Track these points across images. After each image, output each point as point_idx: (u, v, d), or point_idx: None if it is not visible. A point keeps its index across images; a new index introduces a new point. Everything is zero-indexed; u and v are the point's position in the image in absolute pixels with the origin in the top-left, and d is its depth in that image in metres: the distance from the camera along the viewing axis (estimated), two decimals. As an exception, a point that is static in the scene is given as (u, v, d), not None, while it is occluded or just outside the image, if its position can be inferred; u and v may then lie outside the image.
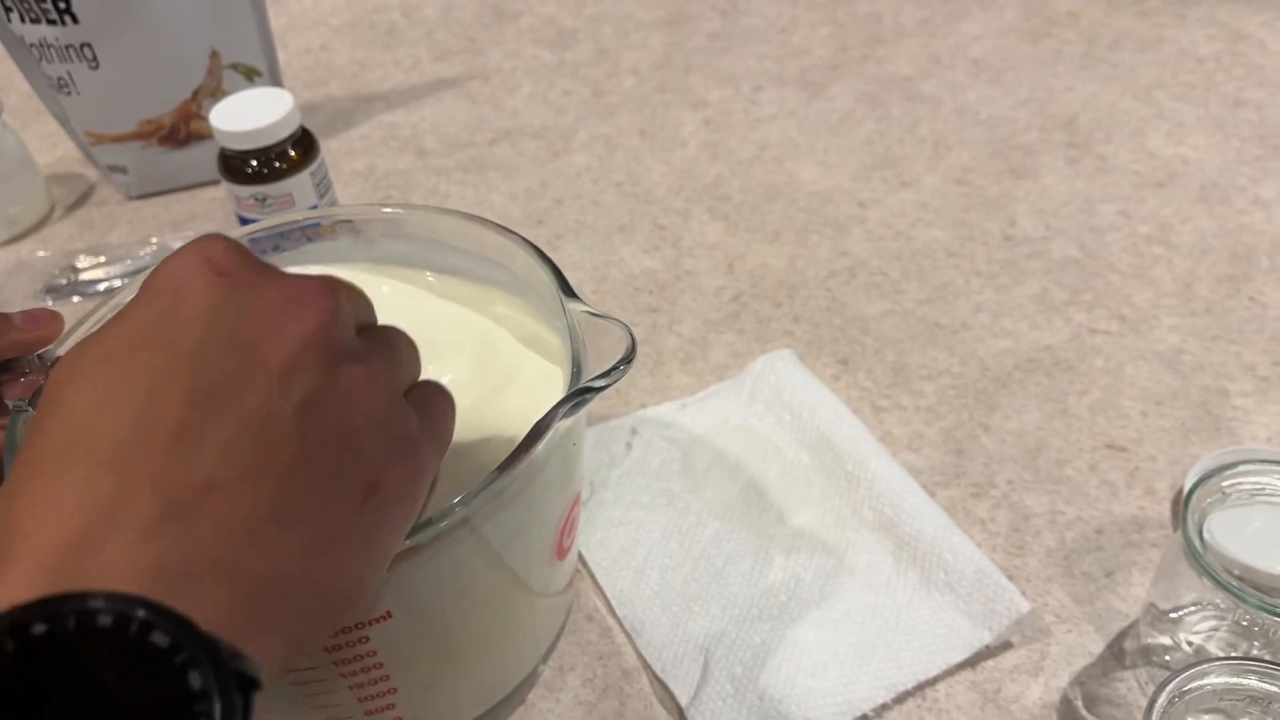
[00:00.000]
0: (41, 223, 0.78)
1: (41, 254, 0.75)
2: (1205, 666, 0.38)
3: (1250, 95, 0.79)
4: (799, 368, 0.57)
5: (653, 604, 0.48)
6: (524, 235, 0.42)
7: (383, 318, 0.32)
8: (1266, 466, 0.43)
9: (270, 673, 0.23)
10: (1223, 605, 0.41)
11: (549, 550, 0.40)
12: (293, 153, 0.67)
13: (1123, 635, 0.46)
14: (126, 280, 0.70)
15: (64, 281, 0.72)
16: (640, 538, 0.51)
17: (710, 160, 0.78)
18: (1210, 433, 0.55)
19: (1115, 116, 0.79)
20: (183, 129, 0.77)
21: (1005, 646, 0.46)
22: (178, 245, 0.72)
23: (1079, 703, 0.44)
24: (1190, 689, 0.38)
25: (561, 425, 0.34)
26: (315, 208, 0.69)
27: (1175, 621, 0.43)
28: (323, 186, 0.69)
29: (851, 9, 0.96)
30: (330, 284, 0.28)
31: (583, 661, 0.47)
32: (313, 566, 0.25)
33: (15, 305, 0.70)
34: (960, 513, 0.51)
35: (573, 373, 0.36)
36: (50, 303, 0.71)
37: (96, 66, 0.72)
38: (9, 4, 0.68)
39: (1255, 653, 0.41)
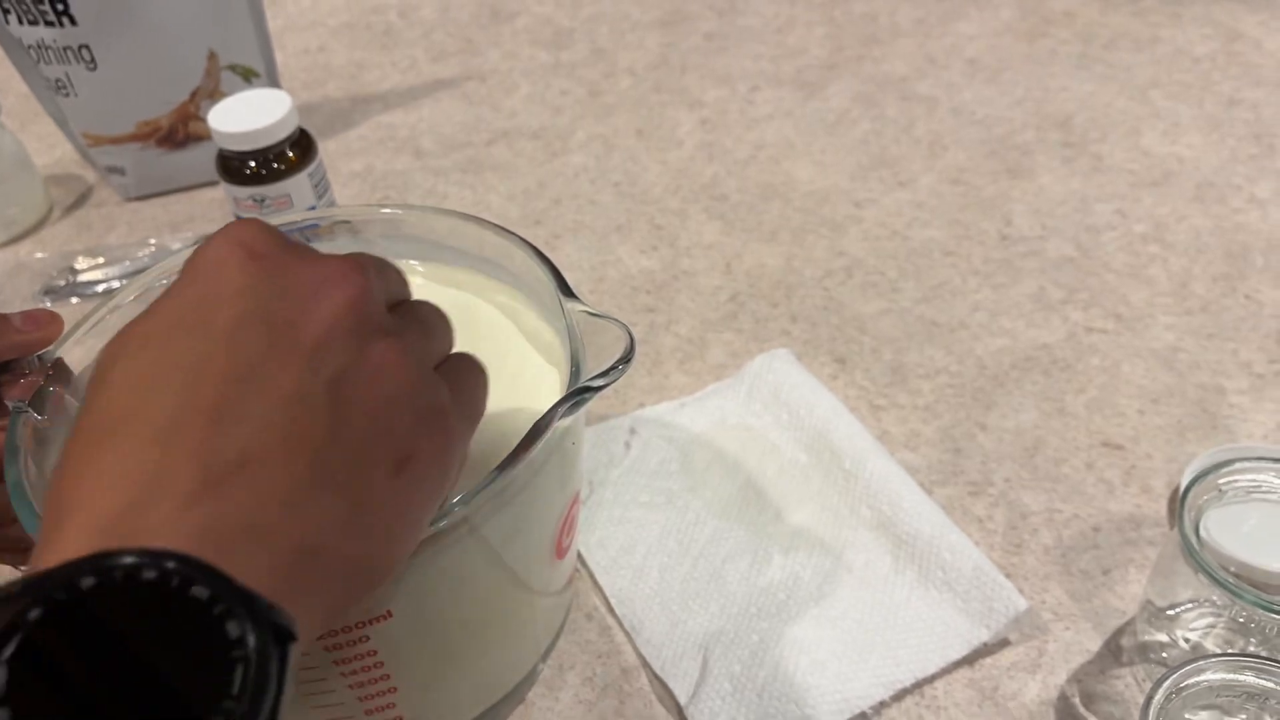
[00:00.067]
0: (40, 224, 0.78)
1: (40, 255, 0.75)
2: (1202, 663, 0.38)
3: (1246, 94, 0.79)
4: (796, 367, 0.58)
5: (652, 603, 0.48)
6: (522, 235, 0.42)
7: None
8: (1262, 464, 0.43)
9: (307, 639, 0.24)
10: (1219, 602, 0.41)
11: (548, 549, 0.40)
12: (291, 154, 0.67)
13: (1120, 632, 0.46)
14: (125, 281, 0.70)
15: (62, 283, 0.72)
16: (639, 537, 0.51)
17: (707, 160, 0.78)
18: (1206, 430, 0.55)
19: (1111, 116, 0.79)
20: (181, 130, 0.77)
21: (1003, 644, 0.46)
22: (176, 247, 0.73)
23: (1076, 700, 0.44)
24: (1187, 685, 0.38)
25: (560, 425, 0.34)
26: (313, 208, 0.69)
27: (1172, 618, 0.44)
28: (321, 187, 0.69)
29: (847, 9, 0.96)
30: (360, 263, 0.29)
31: (582, 660, 0.47)
32: (348, 536, 0.26)
33: (14, 306, 0.70)
34: (958, 511, 0.52)
35: (571, 372, 0.36)
36: (49, 304, 0.71)
37: (94, 68, 0.72)
38: (7, 5, 0.68)
39: (1252, 649, 0.41)
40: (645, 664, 0.46)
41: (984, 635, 0.45)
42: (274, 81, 0.79)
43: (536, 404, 0.35)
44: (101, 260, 0.73)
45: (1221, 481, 0.43)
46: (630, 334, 0.36)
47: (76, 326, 0.40)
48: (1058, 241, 0.68)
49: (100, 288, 0.71)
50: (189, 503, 0.23)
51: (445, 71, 0.92)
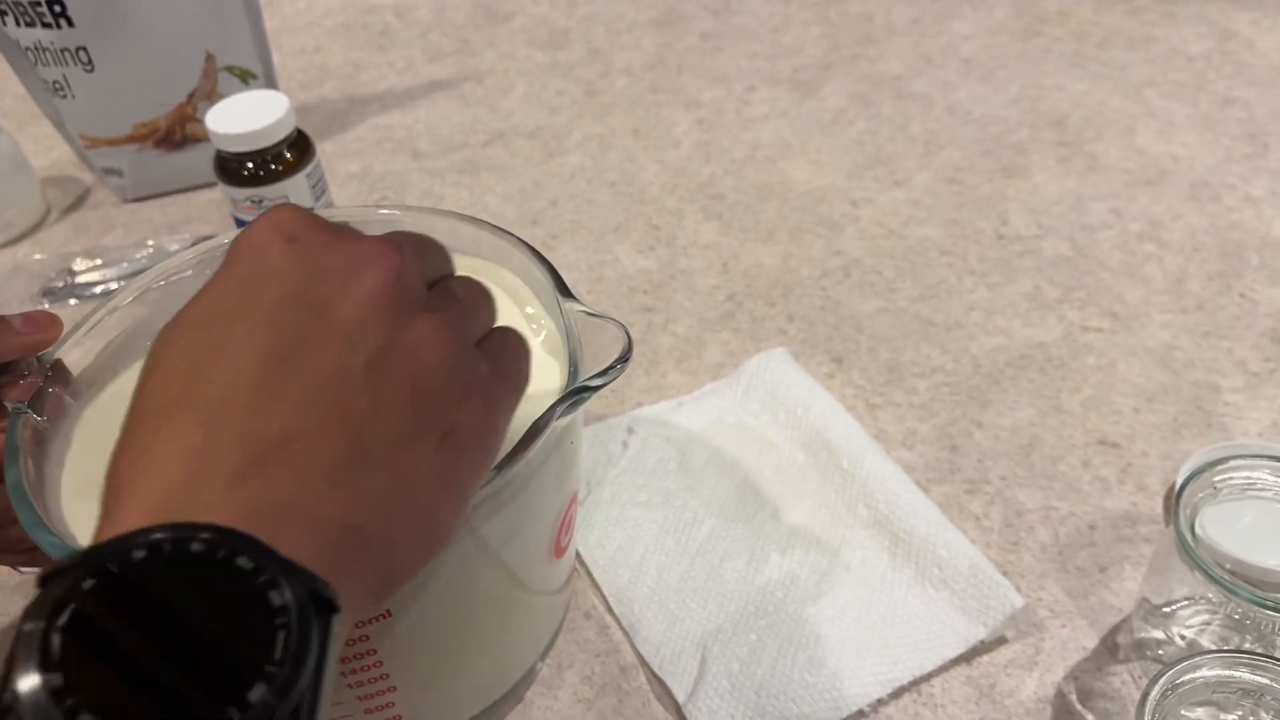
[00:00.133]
0: (37, 226, 0.78)
1: (38, 257, 0.75)
2: (1198, 660, 0.38)
3: (1239, 93, 0.80)
4: (793, 366, 0.58)
5: (650, 601, 0.48)
6: (519, 236, 0.42)
7: None
8: (1257, 461, 0.43)
9: (357, 611, 0.26)
10: (1215, 599, 0.41)
11: (546, 549, 0.40)
12: (288, 155, 0.67)
13: (1116, 629, 0.46)
14: (123, 283, 0.70)
15: (61, 284, 0.72)
16: (637, 536, 0.51)
17: (703, 160, 0.78)
18: (1201, 428, 0.55)
19: (1106, 115, 0.79)
20: (178, 132, 0.77)
21: (1000, 641, 0.46)
22: (174, 248, 0.73)
23: (1073, 697, 0.44)
24: (1183, 682, 0.38)
25: (558, 424, 0.34)
26: (311, 209, 0.69)
27: (1168, 615, 0.44)
28: (318, 188, 0.69)
29: (843, 8, 0.96)
30: (397, 241, 0.29)
31: (581, 659, 0.47)
32: (394, 510, 0.26)
33: (12, 308, 0.70)
34: (954, 509, 0.52)
35: (569, 372, 0.36)
36: (47, 305, 0.71)
37: (91, 70, 0.72)
38: (4, 7, 0.68)
39: (1247, 646, 0.42)
40: (643, 662, 0.46)
41: (981, 633, 0.45)
42: (271, 83, 0.79)
43: (534, 404, 0.35)
44: (99, 262, 0.73)
45: (1216, 479, 0.43)
46: (628, 334, 0.36)
47: (75, 328, 0.40)
48: (1053, 240, 0.68)
49: (98, 289, 0.71)
50: (234, 481, 0.24)
51: (442, 72, 0.93)
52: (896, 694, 0.45)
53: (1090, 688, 0.45)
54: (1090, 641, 0.46)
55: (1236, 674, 0.38)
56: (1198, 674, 0.38)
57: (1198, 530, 0.42)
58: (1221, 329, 0.61)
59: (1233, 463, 0.43)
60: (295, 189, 0.67)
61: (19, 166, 0.77)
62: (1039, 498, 0.52)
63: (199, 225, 0.77)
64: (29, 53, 0.71)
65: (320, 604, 0.22)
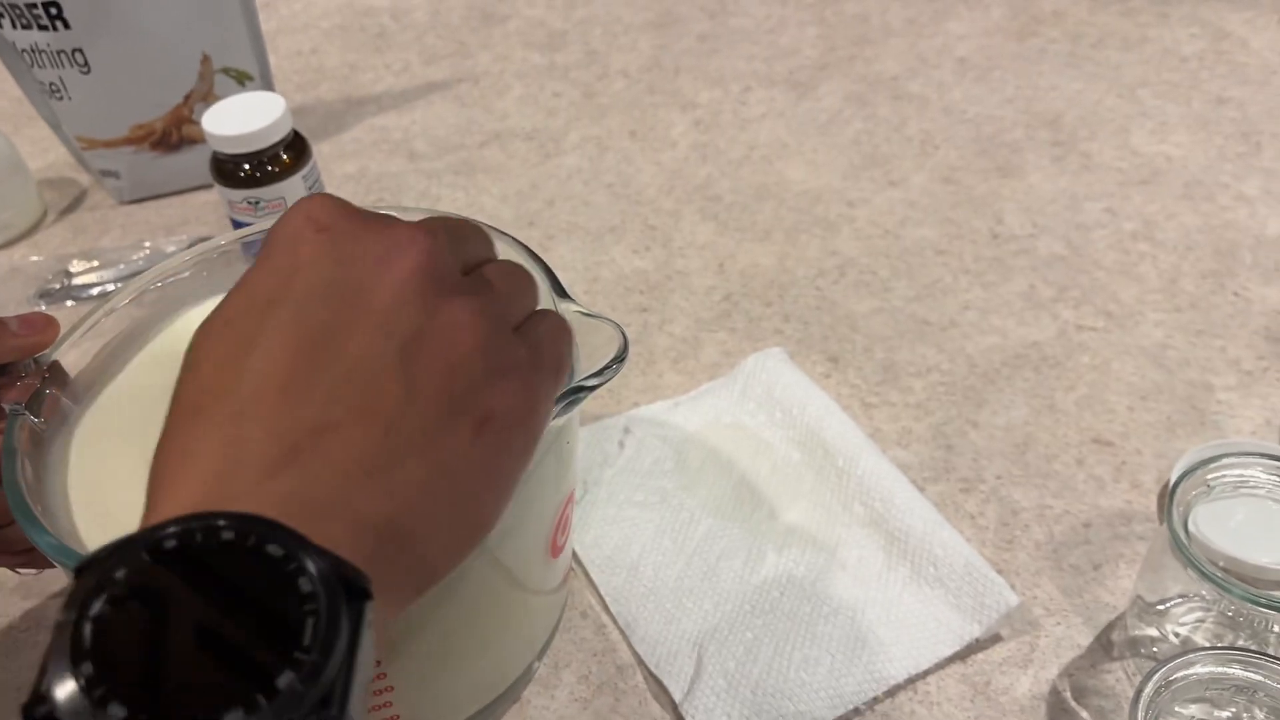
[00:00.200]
0: (34, 227, 0.78)
1: (34, 259, 0.75)
2: (1191, 656, 0.38)
3: (1233, 93, 0.80)
4: (789, 366, 0.58)
5: (646, 601, 0.48)
6: (516, 237, 0.42)
7: None
8: (1250, 459, 0.43)
9: (401, 601, 0.26)
10: (1208, 596, 0.41)
11: (543, 548, 0.40)
12: (285, 156, 0.67)
13: (1110, 627, 0.47)
14: (120, 284, 0.70)
15: (57, 286, 0.72)
16: (634, 535, 0.51)
17: (700, 161, 0.78)
18: (1195, 426, 0.55)
19: (1100, 114, 0.79)
20: (175, 133, 0.77)
21: (995, 639, 0.46)
22: (171, 249, 0.73)
23: (1068, 694, 0.44)
24: (1176, 679, 0.38)
25: (555, 424, 0.34)
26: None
27: (1162, 613, 0.44)
28: (315, 189, 0.70)
29: (839, 9, 0.96)
30: (430, 226, 0.29)
31: (577, 658, 0.47)
32: (431, 498, 0.26)
33: (9, 310, 0.70)
34: (949, 508, 0.52)
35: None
36: (44, 307, 0.71)
37: (88, 71, 0.72)
38: (0, 10, 0.68)
39: (1240, 643, 0.42)
40: (640, 661, 0.47)
41: (976, 631, 0.46)
42: (268, 84, 0.79)
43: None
44: (96, 263, 0.73)
45: (1210, 477, 0.43)
46: (624, 334, 0.36)
47: (72, 330, 0.40)
48: (1048, 240, 0.68)
49: (95, 291, 0.71)
50: (268, 474, 0.24)
51: (438, 74, 0.93)
52: (892, 692, 0.45)
53: (1085, 685, 0.45)
54: (1085, 639, 0.46)
55: (1229, 671, 0.39)
56: (1191, 671, 0.38)
57: (1191, 528, 0.42)
58: (1215, 328, 0.61)
59: (1226, 461, 0.43)
60: (292, 190, 0.67)
61: (15, 168, 0.77)
62: (1034, 496, 0.52)
63: (196, 227, 0.77)
64: (25, 55, 0.71)
65: (353, 590, 0.22)
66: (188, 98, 0.76)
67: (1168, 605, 0.44)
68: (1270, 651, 0.39)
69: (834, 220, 0.71)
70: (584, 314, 0.37)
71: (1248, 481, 0.43)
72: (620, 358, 0.35)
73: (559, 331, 0.32)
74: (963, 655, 0.46)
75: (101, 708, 0.19)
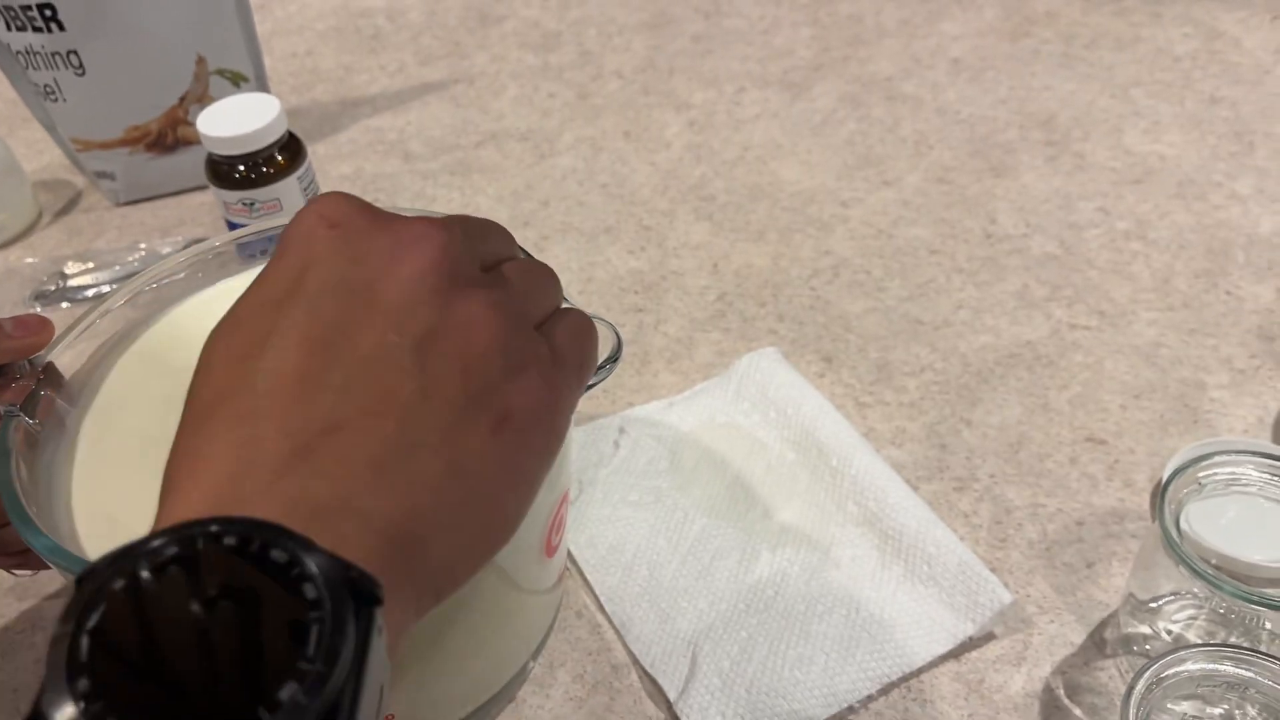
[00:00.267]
0: (29, 229, 0.78)
1: (30, 260, 0.75)
2: (1183, 654, 0.39)
3: (1226, 92, 0.80)
4: (784, 365, 0.58)
5: (641, 600, 0.48)
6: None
7: None
8: (1242, 457, 0.43)
9: (424, 603, 0.25)
10: (1200, 594, 0.42)
11: (538, 548, 0.40)
12: (280, 157, 0.67)
13: (1103, 625, 0.47)
14: (115, 286, 0.70)
15: (53, 288, 0.72)
16: (628, 535, 0.51)
17: (694, 161, 0.79)
18: (1188, 425, 0.55)
19: (1093, 114, 0.79)
20: (170, 135, 0.77)
21: (988, 637, 0.47)
22: (166, 251, 0.73)
23: (1061, 691, 0.45)
24: (1168, 676, 0.38)
25: (549, 424, 0.34)
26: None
27: (1154, 611, 0.44)
28: (310, 190, 0.70)
29: (833, 10, 0.96)
30: (446, 222, 0.29)
31: (572, 658, 0.47)
32: (448, 498, 0.25)
33: (5, 311, 0.70)
34: (943, 506, 0.52)
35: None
36: (39, 309, 0.71)
37: (83, 73, 0.72)
38: (-6, 12, 0.69)
39: (1232, 640, 0.42)
40: (635, 661, 0.47)
41: (969, 629, 0.46)
42: (263, 86, 0.79)
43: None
44: (91, 265, 0.73)
45: (1202, 475, 0.43)
46: (618, 334, 0.36)
47: (67, 331, 0.40)
48: (1041, 239, 0.68)
49: (90, 292, 0.71)
50: (280, 473, 0.23)
51: (433, 75, 0.93)
52: (886, 690, 0.45)
53: (1077, 682, 0.45)
54: (1077, 637, 0.46)
55: (1221, 668, 0.39)
56: (1183, 668, 0.39)
57: (1183, 526, 0.43)
58: (1208, 326, 0.61)
59: (1218, 459, 0.43)
60: (287, 192, 0.67)
61: (10, 170, 0.77)
62: (1027, 495, 0.53)
63: (191, 228, 0.77)
64: (20, 56, 0.71)
65: (361, 596, 0.21)
66: (183, 99, 0.76)
67: (1160, 603, 0.44)
68: (1262, 648, 0.39)
69: (828, 220, 0.72)
70: (578, 314, 0.37)
71: (1239, 479, 0.44)
72: (615, 358, 0.35)
73: (582, 329, 0.31)
74: (956, 653, 0.46)
75: None
